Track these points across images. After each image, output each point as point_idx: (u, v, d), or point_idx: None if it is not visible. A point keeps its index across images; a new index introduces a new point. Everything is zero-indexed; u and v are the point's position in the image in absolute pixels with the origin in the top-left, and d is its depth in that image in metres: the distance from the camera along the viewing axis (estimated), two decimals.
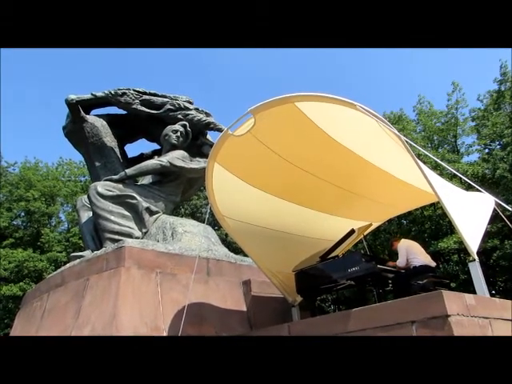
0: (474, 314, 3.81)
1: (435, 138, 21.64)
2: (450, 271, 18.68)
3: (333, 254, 5.93)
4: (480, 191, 5.37)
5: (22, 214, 24.38)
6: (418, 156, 7.58)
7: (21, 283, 19.94)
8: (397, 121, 21.73)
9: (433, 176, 5.18)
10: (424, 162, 5.93)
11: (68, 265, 6.87)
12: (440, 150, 20.82)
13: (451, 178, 16.78)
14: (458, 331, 3.49)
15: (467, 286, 14.84)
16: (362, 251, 12.15)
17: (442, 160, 16.29)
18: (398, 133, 4.57)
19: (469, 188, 12.71)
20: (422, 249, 5.84)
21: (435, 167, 16.37)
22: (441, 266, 19.01)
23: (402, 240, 5.97)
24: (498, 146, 19.52)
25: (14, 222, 24.26)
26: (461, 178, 16.66)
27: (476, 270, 4.40)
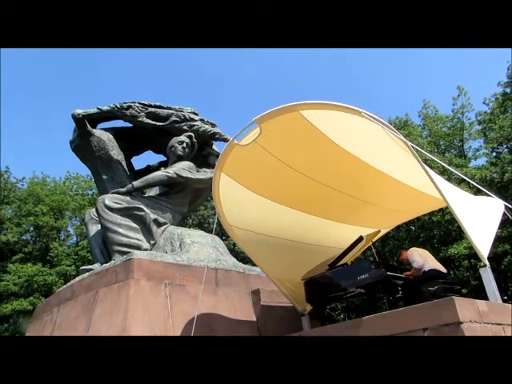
0: (487, 320, 3.76)
1: (441, 142, 21.53)
2: (460, 277, 18.46)
3: (342, 262, 5.88)
4: (489, 195, 5.33)
5: (31, 228, 24.55)
6: (425, 161, 7.55)
7: (31, 298, 20.00)
8: (402, 126, 21.67)
9: (441, 181, 5.15)
10: (431, 167, 5.89)
11: (77, 278, 6.89)
12: (447, 154, 20.70)
13: (459, 182, 16.67)
14: None
15: (478, 292, 14.66)
16: (371, 258, 12.06)
17: (449, 165, 16.19)
18: (404, 138, 4.56)
19: (477, 192, 12.62)
20: (432, 256, 5.79)
21: (442, 172, 16.28)
22: (451, 271, 18.79)
23: (412, 248, 5.92)
24: (506, 150, 19.39)
25: (24, 237, 24.44)
26: (469, 183, 16.57)
27: (487, 276, 4.35)
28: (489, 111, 20.75)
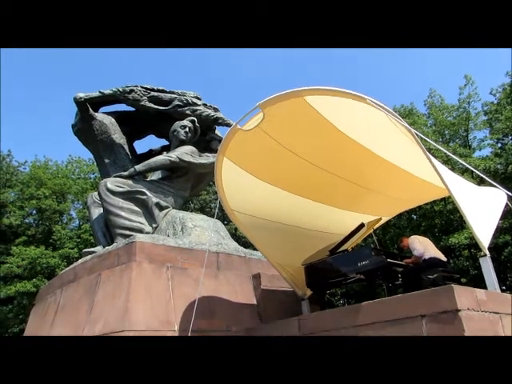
0: (485, 309, 3.79)
1: (446, 132, 21.36)
2: (460, 266, 18.51)
3: (342, 248, 5.92)
4: (493, 185, 5.32)
5: (34, 212, 24.65)
6: (429, 150, 7.51)
7: (34, 280, 20.20)
8: (407, 115, 21.49)
9: (444, 170, 5.14)
10: (435, 157, 5.86)
11: (80, 261, 6.95)
12: (451, 144, 20.57)
13: (463, 172, 16.60)
14: (468, 326, 3.48)
15: (478, 282, 14.70)
16: (372, 245, 12.11)
17: (453, 154, 16.12)
18: (408, 126, 4.54)
19: (481, 183, 12.57)
20: (433, 244, 5.81)
21: (446, 161, 16.20)
22: (451, 261, 18.85)
23: (413, 236, 5.93)
24: (511, 141, 19.24)
25: (26, 220, 24.57)
26: (472, 173, 16.54)
27: (487, 265, 4.37)
28: (495, 102, 20.53)
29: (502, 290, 5.11)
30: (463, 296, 3.66)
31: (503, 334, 3.81)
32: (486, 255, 4.37)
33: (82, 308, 5.76)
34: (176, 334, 5.25)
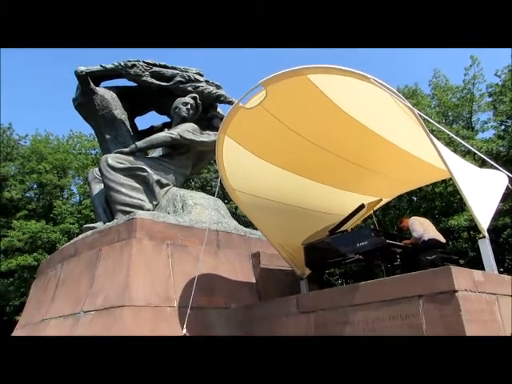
0: (482, 289, 3.82)
1: (450, 113, 21.13)
2: (459, 248, 18.63)
3: (342, 229, 5.94)
4: (495, 168, 5.30)
5: (35, 186, 24.66)
6: (432, 132, 7.46)
7: (35, 254, 20.38)
8: (411, 95, 21.23)
9: (446, 152, 5.11)
10: (438, 138, 5.82)
11: (80, 236, 7.00)
12: (454, 126, 20.40)
13: (465, 154, 16.51)
14: (465, 306, 3.51)
15: (476, 264, 14.81)
16: (371, 226, 12.16)
17: (456, 136, 16.01)
18: (411, 107, 4.48)
19: (482, 165, 12.52)
20: (433, 226, 5.82)
21: (449, 143, 16.10)
22: (450, 242, 18.96)
23: (413, 217, 5.94)
24: None
25: (27, 194, 24.60)
26: (475, 155, 16.46)
27: (485, 247, 4.40)
28: (500, 83, 20.25)
29: (500, 272, 5.15)
30: (461, 277, 3.68)
31: (499, 315, 3.86)
32: (484, 237, 4.39)
33: (82, 282, 5.83)
34: (175, 310, 5.33)
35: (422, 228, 5.54)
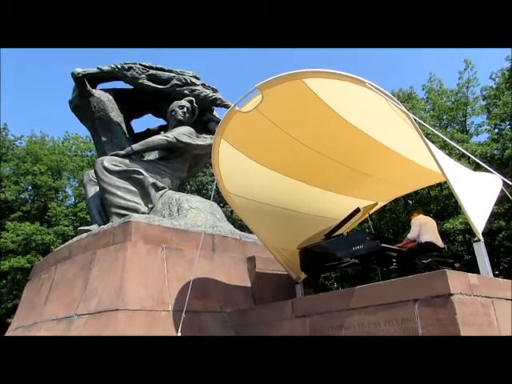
0: (477, 293, 3.84)
1: (444, 117, 21.26)
2: (454, 251, 18.71)
3: (338, 233, 5.94)
4: (489, 171, 5.32)
5: (29, 187, 24.52)
6: (427, 135, 7.48)
7: (28, 256, 20.25)
8: (406, 99, 21.33)
9: (441, 155, 5.13)
10: (432, 142, 5.85)
11: (75, 238, 6.95)
12: (449, 129, 20.52)
13: (459, 158, 16.59)
14: (460, 310, 3.52)
15: (471, 267, 14.88)
16: (367, 230, 12.18)
17: (450, 139, 16.10)
18: (406, 111, 4.50)
19: (477, 168, 12.58)
20: (436, 229, 5.73)
21: (443, 147, 16.18)
22: (445, 246, 19.01)
23: (420, 215, 5.87)
24: (509, 126, 19.18)
25: (22, 196, 24.45)
26: (469, 158, 16.51)
27: (481, 250, 4.42)
28: (494, 86, 20.38)
29: (495, 275, 5.17)
30: (456, 280, 3.69)
31: (495, 318, 3.87)
32: (479, 240, 4.41)
33: (76, 285, 5.79)
34: (170, 313, 5.30)
35: (420, 230, 5.50)
